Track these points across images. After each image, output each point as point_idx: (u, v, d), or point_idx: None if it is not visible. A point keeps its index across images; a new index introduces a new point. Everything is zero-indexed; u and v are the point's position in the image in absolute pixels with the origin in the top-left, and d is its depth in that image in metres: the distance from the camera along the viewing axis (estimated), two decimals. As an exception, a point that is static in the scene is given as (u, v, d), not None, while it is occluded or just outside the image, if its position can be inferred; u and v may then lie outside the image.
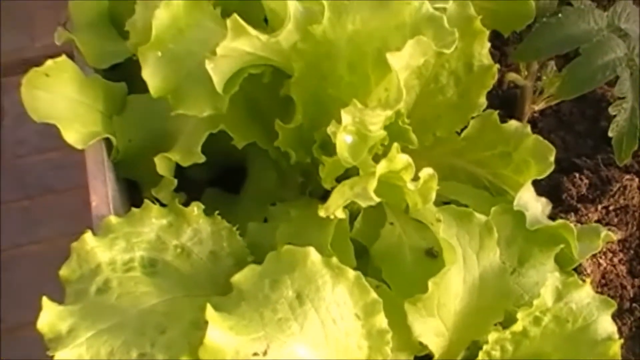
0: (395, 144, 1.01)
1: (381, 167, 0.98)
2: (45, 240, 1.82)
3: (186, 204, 1.15)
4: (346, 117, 1.00)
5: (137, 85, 1.21)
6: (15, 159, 1.94)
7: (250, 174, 1.32)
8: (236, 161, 1.34)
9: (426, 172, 1.01)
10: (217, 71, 1.06)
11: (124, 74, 1.33)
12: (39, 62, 2.08)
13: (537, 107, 1.48)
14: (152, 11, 1.18)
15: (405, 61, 0.99)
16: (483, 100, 1.20)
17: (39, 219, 1.86)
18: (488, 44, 1.19)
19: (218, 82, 1.07)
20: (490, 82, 1.19)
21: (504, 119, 1.34)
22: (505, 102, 1.50)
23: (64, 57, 1.18)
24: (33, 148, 1.96)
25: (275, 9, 1.15)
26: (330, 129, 1.02)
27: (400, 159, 0.98)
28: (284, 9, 1.09)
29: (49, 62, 1.16)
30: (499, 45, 1.57)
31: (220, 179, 1.40)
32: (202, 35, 1.16)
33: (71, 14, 1.34)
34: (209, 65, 1.05)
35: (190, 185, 1.29)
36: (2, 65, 2.08)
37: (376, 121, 1.00)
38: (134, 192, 1.32)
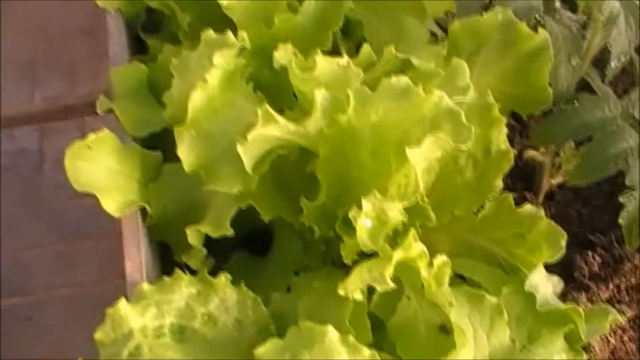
0: (413, 232, 1.07)
1: (397, 255, 1.04)
2: (78, 284, 1.90)
3: (214, 268, 1.22)
4: (367, 204, 1.07)
5: (172, 153, 1.29)
6: (53, 203, 2.02)
7: (276, 241, 1.39)
8: (263, 226, 1.41)
9: (440, 259, 1.07)
10: (248, 154, 1.14)
11: (159, 140, 1.41)
12: (79, 109, 2.20)
13: (554, 181, 1.53)
14: (188, 85, 1.26)
15: (423, 155, 1.06)
16: (500, 183, 1.26)
17: (73, 263, 1.93)
18: (505, 130, 1.25)
19: (248, 163, 1.15)
20: (507, 166, 1.25)
21: (522, 191, 1.39)
22: (524, 174, 1.56)
23: (106, 131, 1.26)
24: (71, 193, 2.04)
25: (304, 90, 1.23)
26: (351, 214, 1.08)
27: (415, 248, 1.05)
28: (312, 92, 1.16)
29: (92, 136, 1.24)
30: (520, 117, 1.62)
31: (247, 240, 1.47)
32: (235, 114, 1.24)
33: (112, 81, 1.43)
34: (240, 149, 1.13)
35: (219, 246, 1.36)
36: (44, 111, 2.17)
37: (395, 209, 1.07)
38: (165, 252, 1.40)
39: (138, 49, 1.71)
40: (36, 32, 2.37)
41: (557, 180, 1.54)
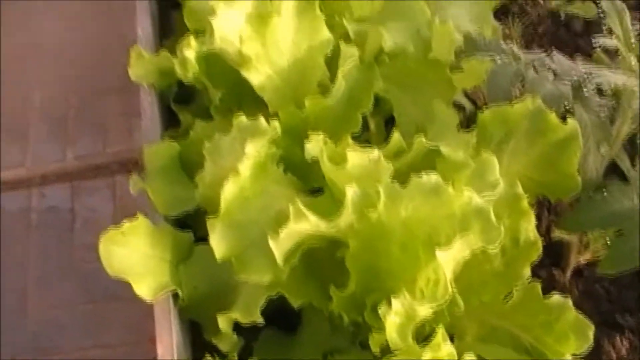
0: (441, 331, 1.08)
1: (426, 355, 1.05)
2: (106, 346, 1.91)
3: (244, 348, 1.24)
4: (396, 303, 1.08)
5: (203, 232, 1.31)
6: (83, 263, 2.05)
7: (305, 321, 1.41)
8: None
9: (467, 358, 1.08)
10: (279, 248, 1.16)
11: (191, 218, 1.44)
12: (110, 168, 2.23)
13: (582, 259, 1.53)
14: (220, 169, 1.28)
15: (452, 256, 1.07)
16: (527, 271, 1.27)
17: (102, 325, 1.95)
18: (534, 220, 1.26)
19: (280, 256, 1.17)
20: (535, 255, 1.25)
21: (550, 267, 1.40)
22: (552, 250, 1.56)
23: (139, 218, 1.28)
24: (100, 253, 2.07)
25: (335, 180, 1.24)
26: (381, 311, 1.10)
27: (444, 349, 1.06)
28: (343, 184, 1.18)
29: (126, 223, 1.27)
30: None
31: (276, 314, 1.48)
32: (266, 201, 1.26)
33: (145, 160, 1.45)
34: (272, 243, 1.15)
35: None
36: (75, 170, 2.20)
37: (424, 309, 1.08)
38: (196, 331, 1.42)
39: (169, 119, 1.74)
40: (68, 88, 2.42)
41: (585, 257, 1.54)
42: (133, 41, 2.42)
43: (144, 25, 1.70)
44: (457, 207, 1.12)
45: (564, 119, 1.32)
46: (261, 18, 1.38)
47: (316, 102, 1.39)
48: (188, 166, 1.51)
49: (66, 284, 2.00)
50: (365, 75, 1.44)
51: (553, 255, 1.55)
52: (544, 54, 1.40)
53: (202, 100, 1.65)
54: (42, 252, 2.06)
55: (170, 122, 1.73)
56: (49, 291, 1.99)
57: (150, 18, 1.79)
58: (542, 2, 2.13)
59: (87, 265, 2.03)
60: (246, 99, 1.54)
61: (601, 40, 1.35)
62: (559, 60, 1.39)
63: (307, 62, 1.46)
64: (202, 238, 1.36)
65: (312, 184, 1.40)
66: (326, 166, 1.20)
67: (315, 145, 1.23)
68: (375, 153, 1.19)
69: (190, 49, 1.35)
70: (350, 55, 1.41)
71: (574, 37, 2.08)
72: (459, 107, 1.69)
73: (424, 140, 1.26)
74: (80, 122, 2.32)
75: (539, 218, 1.47)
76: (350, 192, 1.14)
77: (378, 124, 1.55)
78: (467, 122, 1.78)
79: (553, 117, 1.31)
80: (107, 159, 2.23)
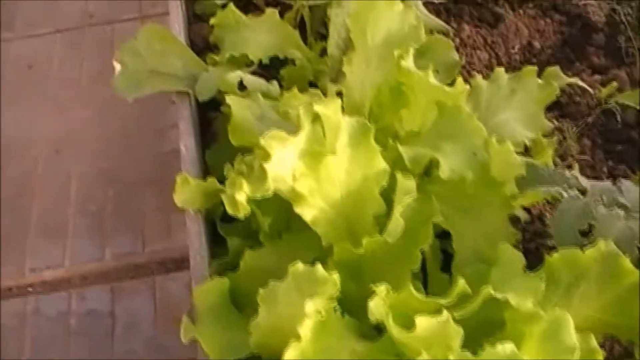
0: None
1: None
2: None
3: None
4: None
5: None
6: (126, 368, 2.00)
7: None
8: None
9: None
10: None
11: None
12: (149, 267, 2.18)
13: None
14: (275, 318, 1.23)
15: None
16: None
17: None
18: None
19: None
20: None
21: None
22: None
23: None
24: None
25: (401, 340, 1.19)
26: None
27: None
28: (410, 341, 1.12)
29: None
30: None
31: None
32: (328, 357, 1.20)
33: (195, 302, 1.40)
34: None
35: None
36: (114, 270, 2.16)
37: None
38: None
39: (215, 236, 1.69)
40: (104, 180, 2.38)
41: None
42: (170, 127, 2.41)
43: (187, 142, 1.66)
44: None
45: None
46: (315, 155, 1.33)
47: (373, 241, 1.33)
48: (239, 300, 1.46)
49: (107, 394, 1.95)
50: (423, 208, 1.38)
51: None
52: (611, 184, 1.33)
53: (250, 221, 1.59)
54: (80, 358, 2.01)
55: (216, 239, 1.67)
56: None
57: (192, 126, 1.73)
58: (591, 91, 2.06)
59: (128, 375, 1.98)
60: (296, 222, 1.49)
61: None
62: (628, 189, 1.32)
63: (362, 193, 1.40)
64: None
65: (369, 320, 1.33)
66: (393, 329, 1.14)
67: (378, 305, 1.17)
68: (444, 316, 1.13)
69: (242, 192, 1.30)
70: (407, 189, 1.35)
71: (626, 129, 2.01)
72: (512, 218, 1.62)
73: (491, 290, 1.20)
74: (118, 217, 2.28)
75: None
76: (421, 361, 1.08)
77: (434, 251, 1.48)
78: (523, 232, 1.72)
79: (626, 262, 1.24)
80: (146, 258, 2.18)
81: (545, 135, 1.79)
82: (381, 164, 1.40)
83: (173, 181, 2.32)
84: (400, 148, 1.45)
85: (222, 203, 1.57)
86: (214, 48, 2.09)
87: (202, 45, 2.27)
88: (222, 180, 1.67)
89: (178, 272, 2.15)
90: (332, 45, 1.86)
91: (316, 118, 1.37)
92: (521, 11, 2.38)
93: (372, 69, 1.64)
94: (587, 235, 1.31)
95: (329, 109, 1.37)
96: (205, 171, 1.81)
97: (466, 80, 2.07)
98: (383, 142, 1.51)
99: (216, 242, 1.69)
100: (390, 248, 1.35)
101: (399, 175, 1.38)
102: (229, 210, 1.36)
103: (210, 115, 2.00)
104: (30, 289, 2.16)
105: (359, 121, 1.40)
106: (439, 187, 1.50)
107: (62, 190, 2.34)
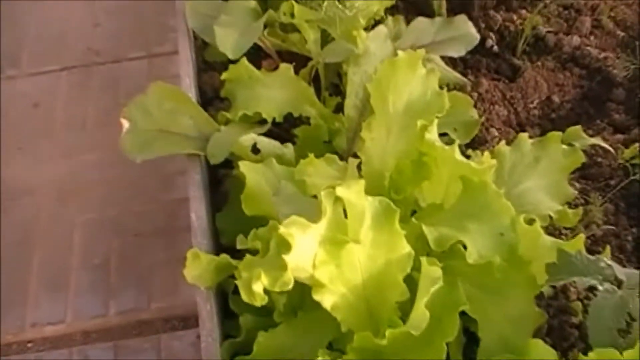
0: None
1: None
2: None
3: None
4: None
5: None
6: None
7: None
8: None
9: None
10: None
11: None
12: (154, 325, 2.11)
13: None
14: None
15: None
16: None
17: None
18: None
19: None
20: None
21: None
22: None
23: None
24: None
25: None
26: None
27: None
28: None
29: None
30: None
31: None
32: None
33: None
34: None
35: None
36: (118, 327, 2.09)
37: None
38: None
39: (225, 307, 1.63)
40: (109, 229, 2.31)
41: None
42: (177, 174, 2.34)
43: (197, 210, 1.59)
44: None
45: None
46: (337, 243, 1.27)
47: (396, 333, 1.26)
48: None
49: None
50: (450, 297, 1.32)
51: None
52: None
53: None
54: None
55: (226, 310, 1.60)
56: None
57: (203, 192, 1.67)
58: (613, 152, 2.00)
59: None
60: (312, 300, 1.42)
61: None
62: (666, 279, 1.25)
63: (384, 279, 1.34)
64: None
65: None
66: None
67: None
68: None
69: (259, 283, 1.23)
70: (433, 277, 1.29)
71: (650, 192, 1.95)
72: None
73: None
74: (123, 270, 2.22)
75: None
76: None
77: (458, 335, 1.42)
78: (547, 308, 1.66)
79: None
80: (151, 315, 2.11)
81: (569, 203, 1.72)
82: (405, 248, 1.33)
83: (180, 232, 2.28)
84: (425, 228, 1.38)
85: (234, 277, 1.51)
86: (225, 99, 2.03)
87: (212, 94, 2.21)
88: (233, 247, 1.61)
89: (184, 330, 2.08)
90: (350, 105, 1.80)
91: (338, 200, 1.30)
92: (539, 63, 2.32)
93: (393, 137, 1.58)
94: (625, 332, 1.24)
95: (352, 191, 1.30)
96: (216, 236, 1.74)
97: (485, 141, 2.03)
98: (404, 215, 1.45)
99: (227, 313, 1.62)
100: (415, 341, 1.28)
101: (423, 261, 1.32)
102: (245, 298, 1.29)
103: (220, 173, 1.93)
104: (30, 345, 2.09)
105: (383, 202, 1.34)
106: (464, 266, 1.43)
107: (64, 240, 2.27)
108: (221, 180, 1.91)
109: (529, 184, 1.69)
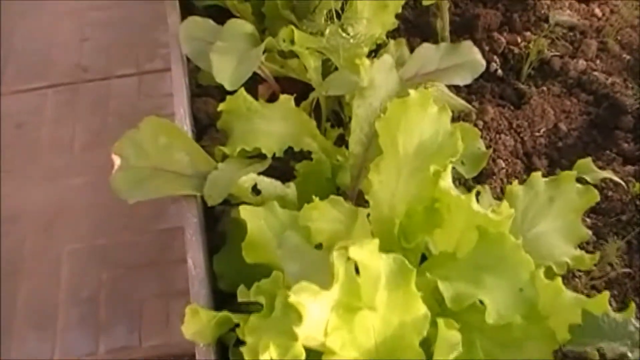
0: None
1: None
2: None
3: None
4: None
5: None
6: None
7: None
8: None
9: None
10: None
11: None
12: (146, 364, 2.01)
13: None
14: None
15: None
16: None
17: None
18: None
19: None
20: None
21: None
22: None
23: None
24: None
25: None
26: None
27: None
28: None
29: None
30: None
31: None
32: None
33: None
34: None
35: None
36: (108, 366, 1.99)
37: None
38: None
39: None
40: (98, 260, 2.21)
41: None
42: (170, 202, 2.25)
43: (194, 256, 1.49)
44: None
45: None
46: (350, 309, 1.18)
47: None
48: None
49: None
50: (467, 356, 1.23)
51: None
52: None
53: (266, 351, 1.43)
54: None
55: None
56: None
57: (200, 235, 1.58)
58: (624, 185, 1.93)
59: None
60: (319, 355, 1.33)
61: None
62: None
63: (399, 342, 1.25)
64: None
65: None
66: None
67: None
68: None
69: (267, 354, 1.14)
70: (451, 343, 1.20)
71: (663, 229, 1.87)
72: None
73: None
74: (113, 305, 2.12)
75: None
76: None
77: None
78: (563, 358, 1.58)
79: None
80: (143, 353, 2.02)
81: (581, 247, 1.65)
82: (421, 310, 1.25)
83: (172, 263, 2.19)
84: (440, 285, 1.30)
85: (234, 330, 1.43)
86: (220, 129, 1.94)
87: (207, 121, 2.11)
88: (232, 292, 1.53)
89: (181, 371, 1.99)
90: (354, 141, 1.71)
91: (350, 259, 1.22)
92: (545, 88, 2.24)
93: (403, 181, 1.49)
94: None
95: (365, 250, 1.22)
96: (213, 279, 1.65)
97: (492, 173, 1.95)
98: (415, 264, 1.37)
99: None
100: None
101: (441, 324, 1.23)
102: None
103: (217, 210, 1.83)
104: (15, 385, 1.99)
105: (397, 261, 1.25)
106: (481, 323, 1.35)
107: (51, 272, 2.17)
108: (218, 218, 1.82)
109: (543, 227, 1.61)
